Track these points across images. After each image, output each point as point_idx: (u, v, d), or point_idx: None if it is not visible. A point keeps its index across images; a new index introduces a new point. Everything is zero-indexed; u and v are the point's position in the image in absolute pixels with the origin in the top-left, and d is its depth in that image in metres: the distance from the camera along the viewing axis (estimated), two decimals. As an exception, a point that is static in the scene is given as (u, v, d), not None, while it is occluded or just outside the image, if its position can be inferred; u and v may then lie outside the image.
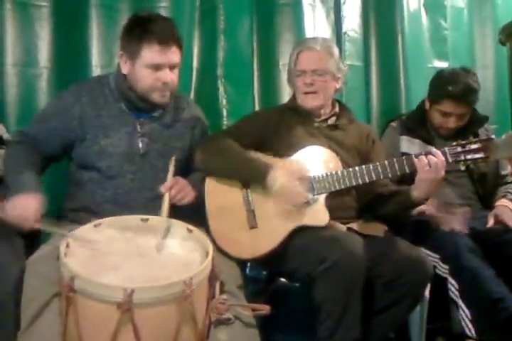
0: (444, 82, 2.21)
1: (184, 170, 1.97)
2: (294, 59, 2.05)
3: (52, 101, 1.97)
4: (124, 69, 1.84)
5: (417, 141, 2.33)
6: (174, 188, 1.80)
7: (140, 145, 1.87)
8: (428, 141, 2.32)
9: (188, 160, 2.01)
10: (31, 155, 1.84)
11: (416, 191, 1.83)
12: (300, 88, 2.05)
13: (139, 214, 1.75)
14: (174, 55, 1.79)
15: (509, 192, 2.30)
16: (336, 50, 2.07)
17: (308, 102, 2.05)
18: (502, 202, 2.24)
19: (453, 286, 2.02)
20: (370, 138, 2.15)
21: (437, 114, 2.27)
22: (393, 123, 2.45)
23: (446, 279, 2.03)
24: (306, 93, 2.03)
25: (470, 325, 1.96)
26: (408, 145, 2.33)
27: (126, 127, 1.87)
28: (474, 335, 1.95)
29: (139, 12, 1.88)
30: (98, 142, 1.84)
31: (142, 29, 1.76)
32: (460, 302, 1.99)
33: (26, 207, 1.64)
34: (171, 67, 1.80)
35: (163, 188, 1.79)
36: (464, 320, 1.97)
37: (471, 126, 2.32)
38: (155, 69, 1.78)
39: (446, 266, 2.03)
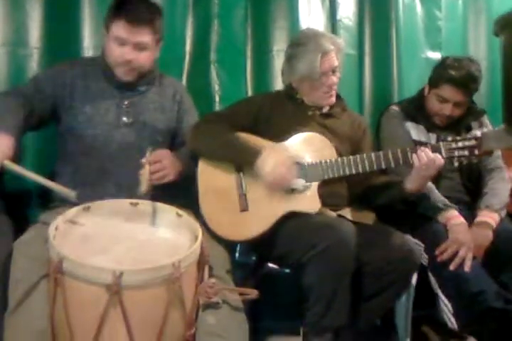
0: (447, 66, 2.19)
1: (169, 142, 2.03)
2: (318, 62, 1.94)
3: (48, 68, 2.02)
4: (104, 44, 1.92)
5: (421, 127, 2.30)
6: (155, 166, 1.77)
7: (125, 117, 1.92)
8: (428, 128, 2.29)
9: (173, 133, 2.05)
10: (17, 105, 1.80)
11: (410, 184, 1.86)
12: (325, 88, 2.00)
13: (125, 183, 1.82)
14: (140, 35, 1.83)
15: (491, 194, 2.23)
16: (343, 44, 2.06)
17: (329, 101, 2.05)
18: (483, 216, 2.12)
19: (433, 278, 2.04)
20: (361, 127, 2.15)
21: (434, 99, 2.24)
22: (395, 107, 2.39)
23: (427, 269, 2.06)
24: (328, 92, 2.02)
25: (451, 317, 1.98)
26: (416, 132, 2.29)
27: (112, 99, 1.92)
28: (456, 327, 1.97)
29: None
30: (85, 111, 1.89)
31: (117, 6, 1.84)
32: (440, 294, 2.01)
33: None
34: (138, 47, 1.84)
35: (144, 159, 1.76)
36: (445, 312, 2.00)
37: (465, 118, 2.30)
38: (120, 44, 1.83)
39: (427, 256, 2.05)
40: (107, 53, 1.88)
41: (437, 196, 2.13)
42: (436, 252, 1.97)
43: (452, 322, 1.98)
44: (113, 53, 1.85)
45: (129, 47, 1.83)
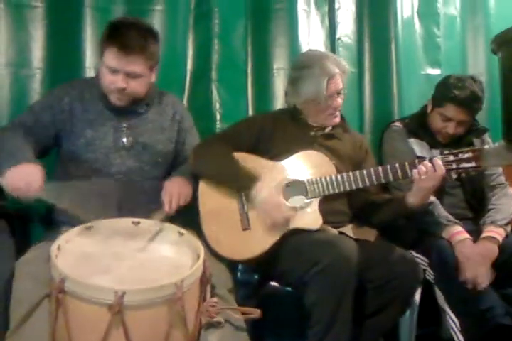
0: (450, 86, 2.19)
1: (169, 163, 2.03)
2: (324, 86, 1.97)
3: (44, 96, 2.01)
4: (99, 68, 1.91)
5: (424, 143, 2.30)
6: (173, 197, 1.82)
7: (125, 139, 1.91)
8: (431, 144, 2.29)
9: (173, 153, 2.04)
10: (25, 137, 1.81)
11: (412, 198, 1.86)
12: (330, 110, 2.03)
13: (126, 207, 1.80)
14: (132, 65, 1.80)
15: (495, 210, 2.22)
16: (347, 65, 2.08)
17: (334, 121, 2.08)
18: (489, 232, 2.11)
19: (440, 294, 2.02)
20: (363, 147, 2.17)
21: (438, 118, 2.25)
22: (397, 124, 2.40)
23: (434, 285, 2.04)
24: (333, 113, 2.05)
25: (459, 334, 1.96)
26: (420, 148, 2.29)
27: (111, 122, 1.91)
28: (464, 344, 1.96)
29: (122, 18, 1.97)
30: (85, 135, 1.88)
31: (110, 32, 1.82)
32: (448, 311, 1.99)
33: (30, 173, 1.62)
34: (130, 76, 1.82)
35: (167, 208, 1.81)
36: (453, 328, 1.98)
37: (467, 136, 2.30)
38: (112, 72, 1.81)
39: (433, 273, 2.04)
40: (101, 79, 1.87)
41: (441, 211, 2.12)
42: (460, 276, 1.95)
43: (460, 339, 1.96)
44: (105, 80, 1.84)
45: (121, 76, 1.80)
